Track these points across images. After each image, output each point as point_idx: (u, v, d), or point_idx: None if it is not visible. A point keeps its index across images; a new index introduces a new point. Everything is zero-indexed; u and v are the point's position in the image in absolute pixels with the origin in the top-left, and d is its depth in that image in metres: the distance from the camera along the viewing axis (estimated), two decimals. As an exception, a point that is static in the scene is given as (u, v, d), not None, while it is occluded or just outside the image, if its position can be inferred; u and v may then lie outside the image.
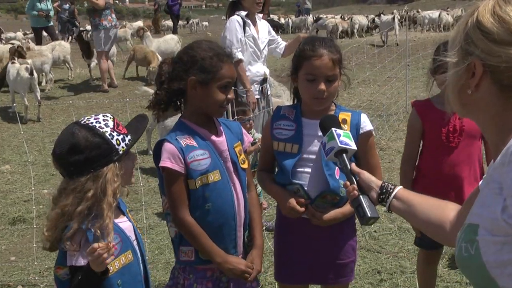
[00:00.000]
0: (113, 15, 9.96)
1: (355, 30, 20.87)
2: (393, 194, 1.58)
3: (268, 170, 2.37)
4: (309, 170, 2.19)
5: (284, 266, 2.38)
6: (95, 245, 1.72)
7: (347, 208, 2.18)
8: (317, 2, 67.91)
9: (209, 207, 2.08)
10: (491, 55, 1.12)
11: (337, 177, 2.14)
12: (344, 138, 1.76)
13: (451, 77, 1.20)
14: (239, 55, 4.25)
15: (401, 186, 1.61)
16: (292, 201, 2.18)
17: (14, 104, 7.71)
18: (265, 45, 4.61)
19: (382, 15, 20.28)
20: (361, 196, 1.62)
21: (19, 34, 19.43)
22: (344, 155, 1.74)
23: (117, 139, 1.85)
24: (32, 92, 8.22)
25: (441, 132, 2.63)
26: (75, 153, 1.79)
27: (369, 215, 1.59)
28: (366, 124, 2.22)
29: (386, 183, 1.62)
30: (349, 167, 1.71)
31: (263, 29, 4.59)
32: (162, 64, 2.15)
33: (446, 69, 1.24)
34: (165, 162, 2.02)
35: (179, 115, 2.20)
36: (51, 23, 12.84)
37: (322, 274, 2.32)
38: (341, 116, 2.20)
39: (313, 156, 2.19)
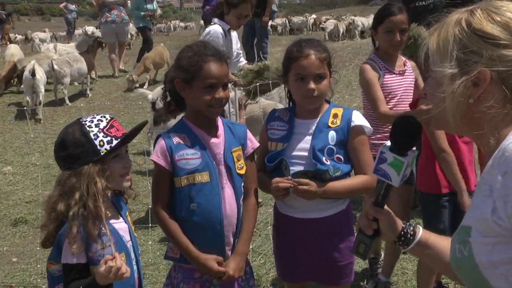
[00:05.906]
0: (114, 12, 10.75)
1: (357, 32, 20.85)
2: (415, 241, 1.44)
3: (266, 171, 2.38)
4: (300, 167, 2.18)
5: (283, 266, 2.41)
6: (112, 263, 1.71)
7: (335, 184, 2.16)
8: (319, 3, 68.08)
9: (194, 207, 2.07)
10: (501, 60, 1.12)
11: (327, 163, 2.14)
12: (407, 172, 1.46)
13: (449, 89, 1.17)
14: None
15: (422, 230, 1.46)
16: (273, 181, 2.17)
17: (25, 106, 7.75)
18: (235, 57, 4.57)
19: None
20: (373, 238, 1.47)
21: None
22: (389, 186, 1.47)
23: (101, 140, 1.84)
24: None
25: None
26: (62, 148, 1.86)
27: (366, 256, 1.51)
28: (357, 119, 2.22)
29: (406, 229, 1.46)
30: (384, 202, 1.48)
31: (234, 41, 4.59)
32: (168, 73, 2.22)
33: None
34: (154, 156, 2.10)
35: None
36: (151, 25, 12.47)
37: (321, 276, 2.33)
38: (333, 111, 2.25)
39: (305, 153, 2.18)
